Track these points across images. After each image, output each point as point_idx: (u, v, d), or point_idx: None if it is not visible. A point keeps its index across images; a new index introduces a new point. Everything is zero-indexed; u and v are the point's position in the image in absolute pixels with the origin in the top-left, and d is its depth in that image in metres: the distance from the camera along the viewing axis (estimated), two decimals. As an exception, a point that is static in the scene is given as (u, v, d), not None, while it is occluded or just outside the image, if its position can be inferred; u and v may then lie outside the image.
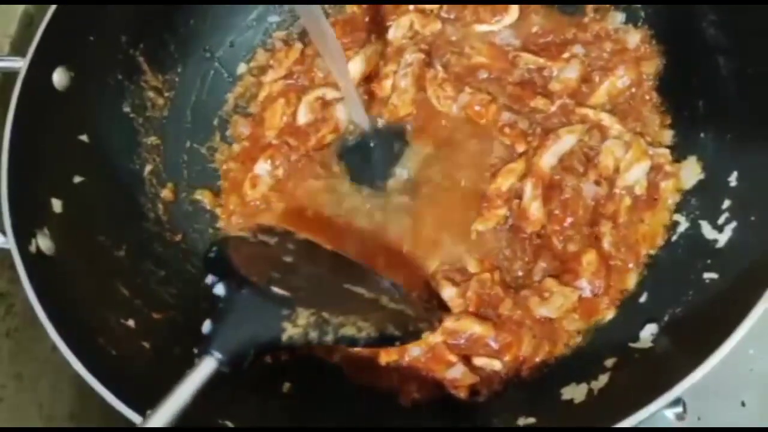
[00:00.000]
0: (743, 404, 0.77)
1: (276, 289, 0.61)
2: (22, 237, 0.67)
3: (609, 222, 0.75)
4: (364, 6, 0.95)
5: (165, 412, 0.53)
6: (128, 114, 0.86)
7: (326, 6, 0.97)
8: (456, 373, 0.73)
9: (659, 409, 0.52)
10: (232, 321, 0.59)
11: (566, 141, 0.79)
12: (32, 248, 0.68)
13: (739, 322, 0.53)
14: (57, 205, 0.73)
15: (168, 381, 0.69)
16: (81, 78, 0.77)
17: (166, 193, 0.88)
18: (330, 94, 0.90)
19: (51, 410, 0.83)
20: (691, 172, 0.74)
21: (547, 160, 0.78)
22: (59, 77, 0.76)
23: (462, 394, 0.72)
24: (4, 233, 0.67)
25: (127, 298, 0.74)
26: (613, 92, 0.82)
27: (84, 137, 0.78)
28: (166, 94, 0.91)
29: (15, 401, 0.78)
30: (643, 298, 0.72)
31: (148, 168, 0.87)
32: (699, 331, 0.61)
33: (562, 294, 0.73)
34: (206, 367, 0.56)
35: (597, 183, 0.77)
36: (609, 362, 0.67)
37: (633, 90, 0.82)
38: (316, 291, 0.67)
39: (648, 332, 0.67)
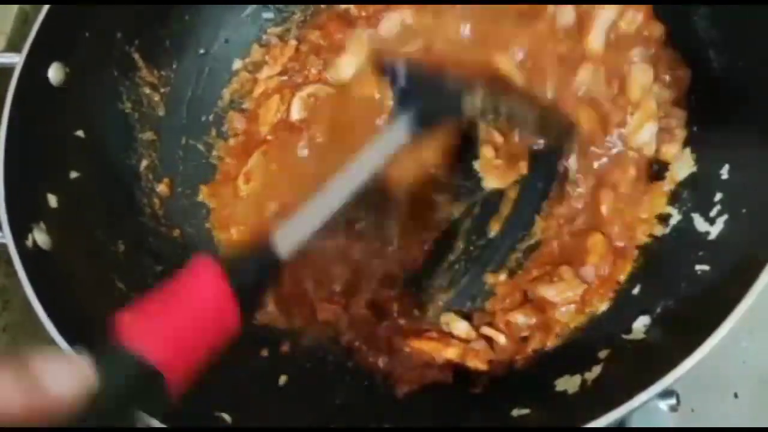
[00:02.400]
0: (736, 396, 0.77)
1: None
2: (19, 232, 0.67)
3: (609, 190, 0.76)
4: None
5: (360, 169, 0.53)
6: (124, 110, 0.86)
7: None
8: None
9: (650, 398, 0.53)
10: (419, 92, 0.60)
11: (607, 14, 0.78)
12: (29, 243, 0.68)
13: (729, 313, 0.53)
14: (53, 200, 0.73)
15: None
16: (76, 74, 0.77)
17: (162, 189, 0.88)
18: (323, 91, 0.90)
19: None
20: (684, 164, 0.75)
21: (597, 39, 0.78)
22: (55, 73, 0.76)
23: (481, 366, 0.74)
24: (0, 228, 0.67)
25: (124, 292, 0.74)
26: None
27: (80, 133, 0.79)
28: (162, 90, 0.91)
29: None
30: (636, 290, 0.72)
31: (144, 163, 0.87)
32: (691, 322, 0.61)
33: (570, 284, 0.74)
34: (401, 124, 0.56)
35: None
36: (602, 354, 0.67)
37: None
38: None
39: (641, 324, 0.67)
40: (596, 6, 0.78)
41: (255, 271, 0.47)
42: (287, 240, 0.49)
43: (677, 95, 0.77)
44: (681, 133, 0.76)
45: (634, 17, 0.78)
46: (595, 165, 0.78)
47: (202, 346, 0.43)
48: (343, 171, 0.54)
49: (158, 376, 0.39)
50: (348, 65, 0.88)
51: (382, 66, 0.68)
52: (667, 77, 0.77)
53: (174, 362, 0.40)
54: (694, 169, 0.74)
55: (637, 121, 0.77)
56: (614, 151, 0.77)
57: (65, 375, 0.36)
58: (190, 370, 0.42)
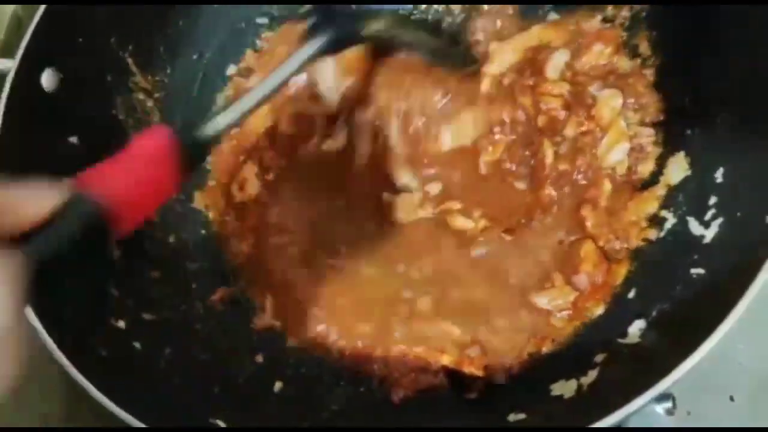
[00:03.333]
0: (732, 399, 0.77)
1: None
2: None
3: (589, 205, 0.77)
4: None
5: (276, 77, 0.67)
6: (118, 116, 0.85)
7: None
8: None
9: (647, 403, 0.53)
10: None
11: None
12: (22, 249, 0.67)
13: (724, 317, 0.53)
14: (46, 206, 0.73)
15: (159, 382, 0.70)
16: (70, 80, 0.77)
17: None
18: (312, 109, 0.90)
19: (43, 411, 0.83)
20: (678, 168, 0.75)
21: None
22: (48, 79, 0.75)
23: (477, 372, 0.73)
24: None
25: (118, 298, 0.74)
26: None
27: (74, 139, 0.78)
28: (156, 96, 0.91)
29: (7, 403, 0.78)
30: (631, 294, 0.72)
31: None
32: (686, 326, 0.61)
33: (561, 291, 0.74)
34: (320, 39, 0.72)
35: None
36: (598, 358, 0.67)
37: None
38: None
39: (636, 328, 0.67)
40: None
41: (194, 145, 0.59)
42: (217, 124, 0.62)
43: (643, 117, 0.79)
44: (654, 150, 0.78)
45: (602, 51, 0.83)
46: (567, 190, 0.80)
47: (149, 199, 0.53)
48: (265, 77, 0.69)
49: (108, 214, 0.48)
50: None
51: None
52: (633, 101, 0.80)
53: (123, 206, 0.49)
54: (688, 172, 0.74)
55: (608, 143, 0.79)
56: (588, 173, 0.79)
57: (34, 196, 0.43)
58: (136, 216, 0.52)
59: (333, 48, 0.74)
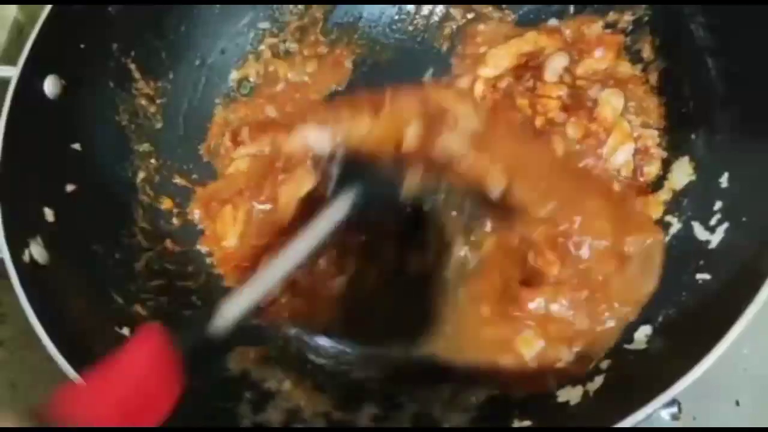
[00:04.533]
0: (737, 404, 0.77)
1: None
2: (16, 246, 0.67)
3: None
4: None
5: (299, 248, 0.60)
6: (120, 122, 0.85)
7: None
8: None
9: (654, 411, 0.53)
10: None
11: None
12: (26, 258, 0.67)
13: (732, 323, 0.53)
14: (49, 213, 0.73)
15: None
16: (73, 86, 0.77)
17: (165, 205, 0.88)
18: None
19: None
20: (682, 173, 0.75)
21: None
22: (50, 86, 0.75)
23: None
24: (-3, 243, 0.67)
25: (122, 306, 0.74)
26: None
27: (76, 146, 0.78)
28: (158, 102, 0.91)
29: (10, 410, 0.78)
30: (636, 300, 0.72)
31: (141, 175, 0.86)
32: (693, 332, 0.61)
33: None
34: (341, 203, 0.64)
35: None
36: (604, 364, 0.67)
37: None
38: None
39: (642, 334, 0.67)
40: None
41: (197, 341, 0.52)
42: (229, 313, 0.54)
43: (646, 120, 0.79)
44: (658, 152, 0.78)
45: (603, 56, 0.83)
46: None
47: (146, 409, 0.45)
48: (284, 249, 0.61)
49: None
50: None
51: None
52: (635, 104, 0.80)
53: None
54: (692, 177, 0.74)
55: (613, 144, 0.78)
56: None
57: None
58: None
59: (362, 208, 0.66)
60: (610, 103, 0.79)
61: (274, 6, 0.97)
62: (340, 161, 0.72)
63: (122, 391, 0.44)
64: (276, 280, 0.59)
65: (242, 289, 0.56)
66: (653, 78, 0.81)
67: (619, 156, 0.78)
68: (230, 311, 0.54)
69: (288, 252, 0.60)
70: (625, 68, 0.83)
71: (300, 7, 0.97)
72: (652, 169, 0.78)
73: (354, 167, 0.70)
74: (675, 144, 0.77)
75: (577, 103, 0.81)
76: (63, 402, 0.42)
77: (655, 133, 0.78)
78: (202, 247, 0.87)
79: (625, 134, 0.78)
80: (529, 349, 0.72)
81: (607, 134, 0.79)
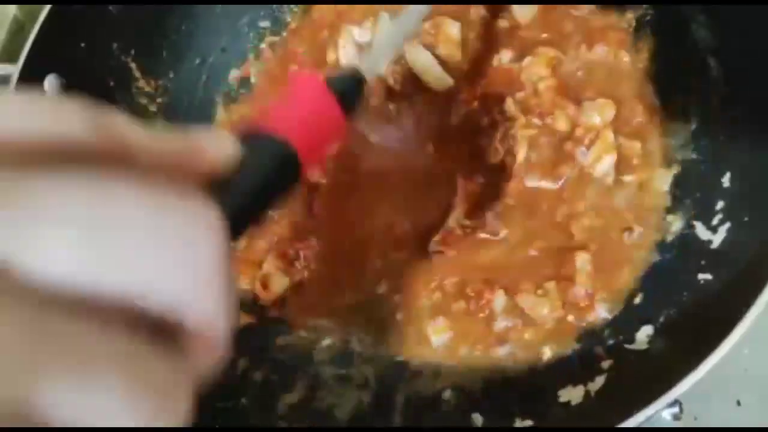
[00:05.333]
0: (739, 404, 0.77)
1: None
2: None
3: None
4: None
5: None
6: (120, 121, 0.85)
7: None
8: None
9: (656, 412, 0.52)
10: None
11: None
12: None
13: (735, 324, 0.53)
14: (50, 213, 0.72)
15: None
16: (73, 85, 0.77)
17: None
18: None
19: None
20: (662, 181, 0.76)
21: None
22: (50, 84, 0.75)
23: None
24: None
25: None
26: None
27: (76, 144, 0.78)
28: (159, 100, 0.90)
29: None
30: (638, 299, 0.72)
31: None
32: (695, 332, 0.61)
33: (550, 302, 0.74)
34: None
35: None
36: (605, 364, 0.67)
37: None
38: None
39: (644, 334, 0.67)
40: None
41: (351, 84, 0.53)
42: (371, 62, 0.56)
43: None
44: (638, 162, 0.78)
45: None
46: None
47: (323, 138, 0.48)
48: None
49: (295, 157, 0.43)
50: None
51: None
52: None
53: (304, 144, 0.44)
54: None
55: (596, 153, 0.78)
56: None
57: (216, 142, 0.37)
58: (314, 157, 0.47)
59: None
60: (601, 113, 0.79)
61: (275, 5, 0.97)
62: None
63: (306, 111, 0.47)
64: (402, 34, 0.60)
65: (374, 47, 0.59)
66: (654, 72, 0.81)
67: (603, 165, 0.78)
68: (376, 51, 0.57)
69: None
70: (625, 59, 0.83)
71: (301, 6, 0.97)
72: (633, 179, 0.78)
73: None
74: (675, 145, 0.77)
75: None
76: (265, 122, 0.44)
77: (638, 145, 0.78)
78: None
79: (608, 144, 0.78)
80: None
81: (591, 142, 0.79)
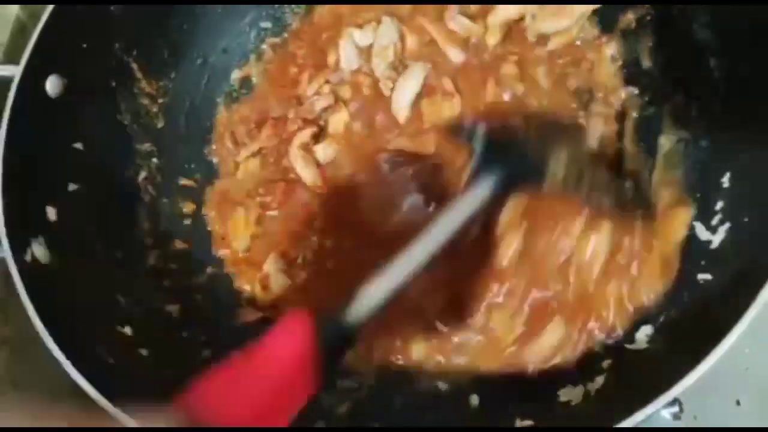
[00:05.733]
0: (738, 403, 0.77)
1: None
2: (18, 246, 0.67)
3: None
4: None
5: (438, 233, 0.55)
6: (122, 121, 0.85)
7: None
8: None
9: (656, 411, 0.53)
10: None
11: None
12: (27, 257, 0.68)
13: (733, 324, 0.53)
14: (52, 213, 0.73)
15: (166, 389, 0.70)
16: (74, 85, 0.77)
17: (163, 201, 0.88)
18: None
19: (48, 418, 0.82)
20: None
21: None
22: (52, 85, 0.75)
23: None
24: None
25: (124, 305, 0.74)
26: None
27: (78, 145, 0.78)
28: (160, 101, 0.91)
29: (9, 409, 0.78)
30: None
31: (143, 175, 0.87)
32: (694, 332, 0.61)
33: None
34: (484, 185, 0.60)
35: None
36: (605, 364, 0.67)
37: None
38: None
39: (643, 333, 0.67)
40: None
41: (335, 337, 0.48)
42: (364, 305, 0.51)
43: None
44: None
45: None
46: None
47: (275, 408, 0.43)
48: (421, 235, 0.56)
49: None
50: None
51: (459, 130, 0.71)
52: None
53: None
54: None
55: None
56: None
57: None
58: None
59: (504, 189, 0.63)
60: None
61: (276, 5, 0.98)
62: (482, 136, 0.67)
63: (259, 388, 0.43)
64: (419, 261, 0.55)
65: (385, 271, 0.53)
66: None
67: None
68: (372, 296, 0.51)
69: (431, 232, 0.57)
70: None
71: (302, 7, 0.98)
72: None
73: (497, 144, 0.65)
74: (675, 144, 0.77)
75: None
76: (198, 395, 0.41)
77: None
78: (213, 249, 0.88)
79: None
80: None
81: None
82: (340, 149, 0.88)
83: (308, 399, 0.45)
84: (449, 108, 0.85)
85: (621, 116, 0.81)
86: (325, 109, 0.90)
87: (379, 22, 0.91)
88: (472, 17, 0.89)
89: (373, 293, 0.51)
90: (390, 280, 0.53)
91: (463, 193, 0.62)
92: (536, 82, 0.85)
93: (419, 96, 0.87)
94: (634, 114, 0.81)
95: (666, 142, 0.77)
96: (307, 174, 0.87)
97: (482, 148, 0.65)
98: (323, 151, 0.88)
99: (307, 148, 0.88)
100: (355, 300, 0.50)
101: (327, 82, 0.91)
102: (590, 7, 0.85)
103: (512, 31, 0.88)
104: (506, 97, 0.84)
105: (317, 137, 0.89)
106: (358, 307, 0.50)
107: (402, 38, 0.91)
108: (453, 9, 0.89)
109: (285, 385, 0.43)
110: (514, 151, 0.66)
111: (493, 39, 0.87)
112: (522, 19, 0.87)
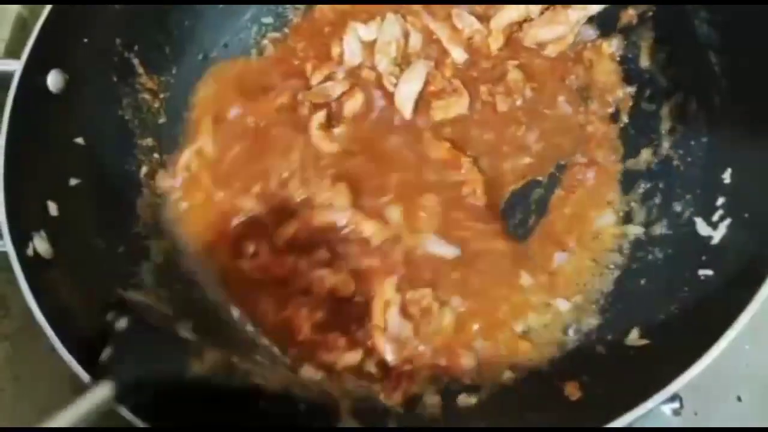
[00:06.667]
0: (739, 399, 0.77)
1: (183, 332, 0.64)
2: (19, 240, 0.67)
3: None
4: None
5: None
6: (123, 116, 0.85)
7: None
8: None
9: (656, 406, 0.53)
10: (135, 353, 0.60)
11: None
12: (29, 251, 0.68)
13: (734, 319, 0.53)
14: (53, 207, 0.73)
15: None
16: (76, 80, 0.77)
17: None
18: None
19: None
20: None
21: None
22: (54, 80, 0.75)
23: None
24: (1, 236, 0.67)
25: (124, 300, 0.74)
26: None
27: (79, 140, 0.78)
28: (161, 96, 0.91)
29: (13, 403, 0.78)
30: (638, 295, 0.72)
31: (144, 170, 0.87)
32: (695, 327, 0.61)
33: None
34: (99, 393, 0.55)
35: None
36: (605, 359, 0.67)
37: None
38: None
39: (643, 329, 0.67)
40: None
41: None
42: None
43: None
44: None
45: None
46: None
47: None
48: None
49: None
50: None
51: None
52: None
53: None
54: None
55: None
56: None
57: None
58: None
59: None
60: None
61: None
62: None
63: None
64: None
65: None
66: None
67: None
68: None
69: None
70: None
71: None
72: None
73: None
74: (678, 142, 0.77)
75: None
76: None
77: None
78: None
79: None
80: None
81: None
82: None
83: None
84: (457, 106, 0.86)
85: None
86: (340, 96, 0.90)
87: (383, 18, 0.91)
88: (477, 18, 0.90)
89: None
90: None
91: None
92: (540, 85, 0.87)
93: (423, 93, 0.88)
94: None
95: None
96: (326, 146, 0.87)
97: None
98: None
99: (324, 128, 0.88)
100: None
101: (332, 74, 0.92)
102: (586, 14, 0.85)
103: (512, 38, 0.89)
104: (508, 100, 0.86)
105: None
106: None
107: (406, 35, 0.91)
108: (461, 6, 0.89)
109: None
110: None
111: (496, 44, 0.88)
112: (525, 21, 0.87)
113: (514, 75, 0.87)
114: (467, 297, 0.78)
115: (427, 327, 0.77)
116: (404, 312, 0.77)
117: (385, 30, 0.90)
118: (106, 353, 0.59)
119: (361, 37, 0.92)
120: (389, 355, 0.75)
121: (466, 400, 0.72)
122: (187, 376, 0.61)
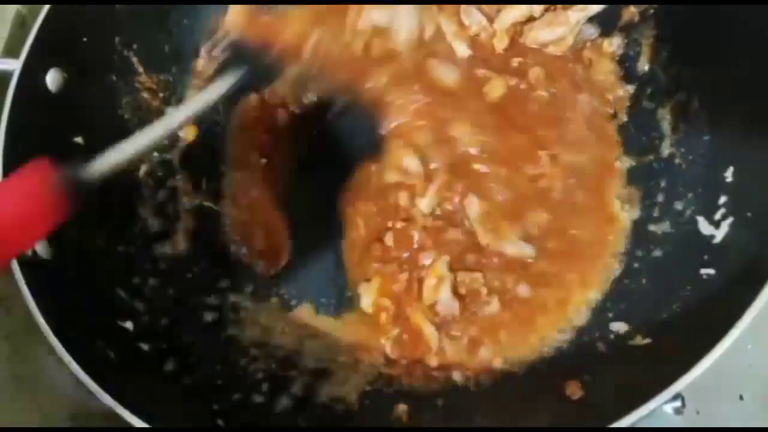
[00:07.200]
0: (741, 398, 0.77)
1: None
2: (18, 241, 0.67)
3: None
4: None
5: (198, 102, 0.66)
6: (123, 115, 0.85)
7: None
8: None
9: (658, 405, 0.52)
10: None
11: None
12: (29, 252, 0.67)
13: (736, 319, 0.53)
14: (52, 207, 0.72)
15: (167, 383, 0.70)
16: (75, 79, 0.77)
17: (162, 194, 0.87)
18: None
19: (50, 412, 0.83)
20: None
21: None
22: (53, 79, 0.75)
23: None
24: (1, 237, 0.67)
25: (125, 300, 0.74)
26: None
27: (79, 139, 0.78)
28: (161, 95, 0.90)
29: (13, 403, 0.78)
30: (640, 294, 0.72)
31: (144, 169, 0.86)
32: (697, 327, 0.61)
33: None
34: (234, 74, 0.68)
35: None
36: (607, 359, 0.67)
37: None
38: None
39: (646, 328, 0.67)
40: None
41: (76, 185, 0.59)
42: (98, 168, 0.61)
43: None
44: None
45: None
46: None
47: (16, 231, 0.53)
48: (164, 116, 0.69)
49: None
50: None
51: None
52: None
53: None
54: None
55: None
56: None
57: None
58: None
59: (246, 85, 0.71)
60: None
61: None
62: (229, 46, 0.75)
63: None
64: (146, 143, 0.64)
65: (126, 141, 0.62)
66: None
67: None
68: (100, 166, 0.61)
69: (163, 120, 0.66)
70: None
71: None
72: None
73: (242, 52, 0.73)
74: (681, 140, 0.77)
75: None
76: None
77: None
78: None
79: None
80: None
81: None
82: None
83: (49, 227, 0.57)
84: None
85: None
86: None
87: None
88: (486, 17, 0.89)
89: (112, 156, 0.61)
90: (128, 148, 0.62)
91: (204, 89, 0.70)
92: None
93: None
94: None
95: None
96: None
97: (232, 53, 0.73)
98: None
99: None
100: (98, 160, 0.60)
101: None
102: (586, 14, 0.85)
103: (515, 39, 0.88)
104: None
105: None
106: (99, 166, 0.60)
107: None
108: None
109: (25, 219, 0.54)
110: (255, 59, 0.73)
111: (501, 44, 0.87)
112: (528, 20, 0.87)
113: (534, 74, 0.87)
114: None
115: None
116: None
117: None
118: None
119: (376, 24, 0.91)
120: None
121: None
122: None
